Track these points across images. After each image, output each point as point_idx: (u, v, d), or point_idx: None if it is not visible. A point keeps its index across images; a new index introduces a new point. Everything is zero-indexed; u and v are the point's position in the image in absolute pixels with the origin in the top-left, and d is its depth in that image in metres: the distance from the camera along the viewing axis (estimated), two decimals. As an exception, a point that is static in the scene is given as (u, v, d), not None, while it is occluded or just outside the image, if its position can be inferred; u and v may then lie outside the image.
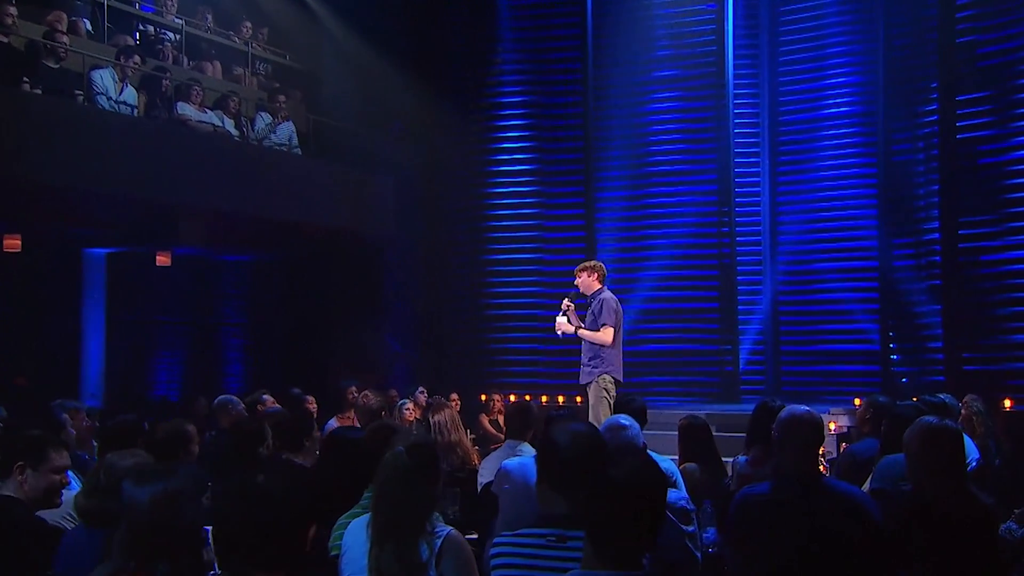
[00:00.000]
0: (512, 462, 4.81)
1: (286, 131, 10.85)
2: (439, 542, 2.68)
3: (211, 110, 9.82)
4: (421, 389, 9.90)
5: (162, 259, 10.51)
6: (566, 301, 7.91)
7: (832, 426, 9.13)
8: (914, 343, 11.19)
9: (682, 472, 5.54)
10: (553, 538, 2.43)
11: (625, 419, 3.80)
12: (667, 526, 3.60)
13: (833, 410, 9.52)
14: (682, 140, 12.38)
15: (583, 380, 7.92)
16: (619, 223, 12.37)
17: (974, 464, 6.57)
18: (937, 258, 10.70)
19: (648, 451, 5.20)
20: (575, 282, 7.92)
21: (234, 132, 10.09)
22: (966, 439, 6.61)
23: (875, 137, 11.42)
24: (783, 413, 3.58)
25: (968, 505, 3.58)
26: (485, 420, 10.68)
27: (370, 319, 11.84)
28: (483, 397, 11.09)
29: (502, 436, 10.60)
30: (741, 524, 3.51)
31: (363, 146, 11.68)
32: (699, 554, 3.70)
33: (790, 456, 3.54)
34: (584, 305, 8.10)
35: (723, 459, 6.02)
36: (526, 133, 12.84)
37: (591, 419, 7.50)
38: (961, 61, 10.46)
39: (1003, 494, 6.55)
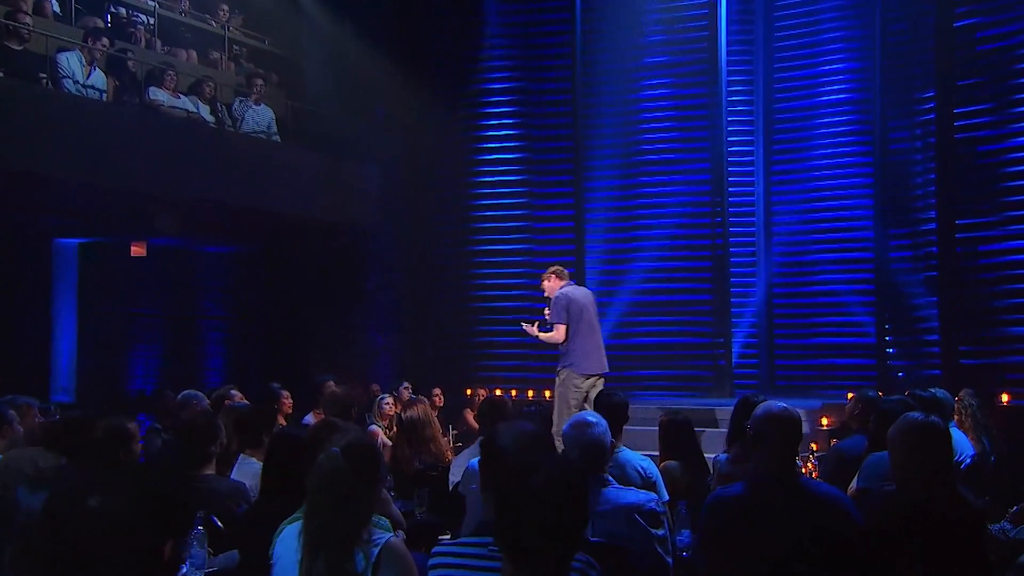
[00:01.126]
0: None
1: (265, 117, 10.64)
2: (376, 551, 2.51)
3: (185, 95, 9.62)
4: (405, 384, 9.74)
5: (137, 250, 10.35)
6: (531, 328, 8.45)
7: (825, 421, 9.01)
8: (911, 336, 11.07)
9: (662, 471, 5.41)
10: (495, 548, 2.26)
11: (592, 416, 3.64)
12: (635, 530, 3.45)
13: (826, 405, 9.36)
14: (674, 128, 12.24)
15: (555, 375, 8.37)
16: (609, 213, 12.24)
17: (968, 461, 6.45)
18: (934, 248, 10.56)
19: (623, 448, 5.13)
20: (544, 295, 8.42)
21: (209, 118, 9.88)
22: (960, 435, 6.57)
23: (871, 125, 11.27)
24: (758, 410, 3.45)
25: (956, 506, 3.45)
26: (470, 415, 10.50)
27: (353, 312, 11.71)
28: (468, 391, 10.94)
29: (486, 432, 10.56)
30: (713, 527, 3.38)
31: (345, 134, 11.51)
32: (670, 559, 3.54)
33: (765, 455, 3.40)
34: None
35: (711, 456, 5.89)
36: (513, 121, 12.70)
37: (556, 413, 7.78)
38: (959, 45, 10.32)
39: (998, 492, 6.45)
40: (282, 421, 7.02)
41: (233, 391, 6.77)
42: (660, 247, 11.98)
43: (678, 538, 3.90)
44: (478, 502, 4.47)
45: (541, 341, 8.32)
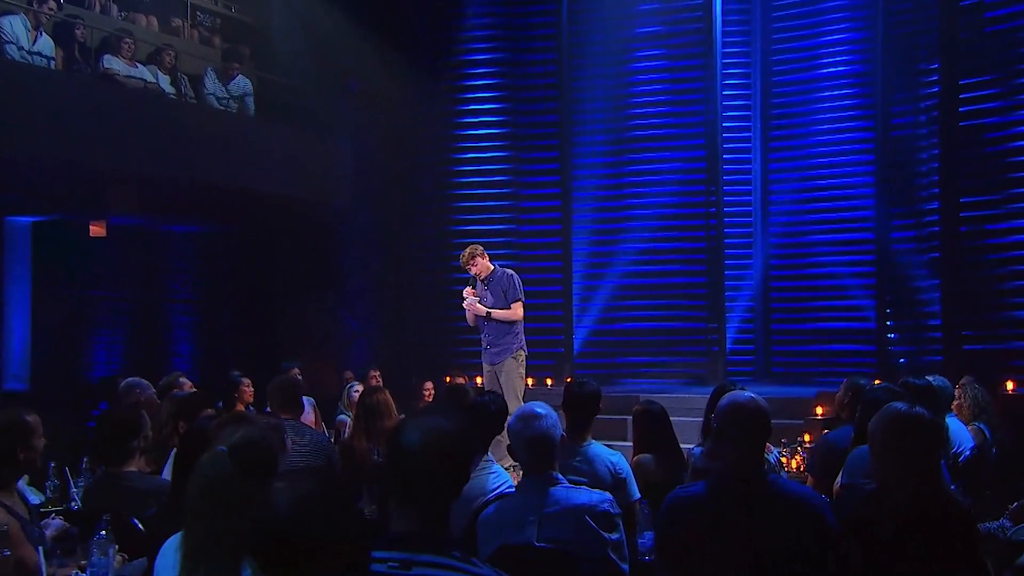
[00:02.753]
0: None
1: (240, 88, 10.42)
2: (266, 563, 2.27)
3: (143, 64, 9.35)
4: (374, 372, 9.53)
5: (96, 229, 10.10)
6: (470, 290, 8.46)
7: (820, 411, 8.80)
8: (912, 321, 10.92)
9: (635, 466, 5.21)
10: (396, 564, 2.03)
11: (540, 407, 3.40)
12: (586, 534, 3.22)
13: (821, 393, 9.15)
14: (666, 102, 12.07)
15: (494, 360, 8.40)
16: (598, 192, 12.10)
17: (967, 453, 6.25)
18: (937, 228, 10.36)
19: (592, 442, 4.90)
20: (472, 272, 8.47)
21: (170, 90, 9.61)
22: (959, 426, 6.35)
23: (873, 99, 11.08)
24: (723, 400, 3.23)
25: (942, 507, 3.23)
26: None
27: (326, 295, 11.51)
28: (447, 380, 10.74)
29: (466, 421, 10.37)
30: (669, 532, 3.16)
31: (317, 107, 11.31)
32: (626, 566, 3.30)
33: (730, 451, 3.17)
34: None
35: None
36: (497, 94, 12.50)
37: (511, 398, 7.71)
38: (964, 10, 10.06)
39: (998, 486, 6.24)
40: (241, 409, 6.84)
41: (182, 379, 6.51)
42: (651, 227, 11.85)
43: (640, 541, 3.67)
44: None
45: (494, 320, 8.28)
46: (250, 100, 10.54)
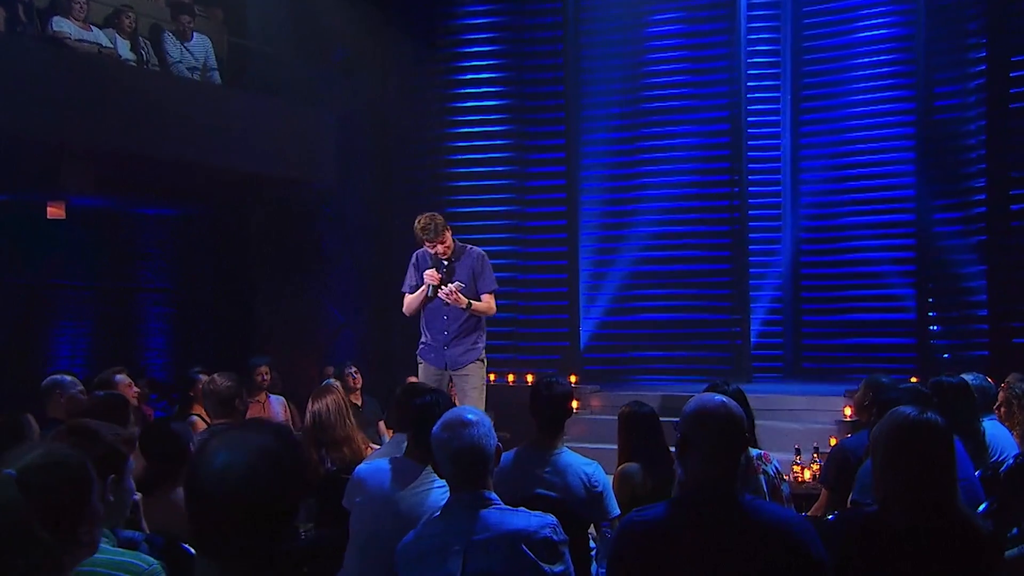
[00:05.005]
0: (369, 466, 4.09)
1: (201, 48, 10.10)
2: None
3: (98, 27, 9.07)
4: (353, 368, 9.27)
5: (54, 211, 9.82)
6: (434, 274, 7.13)
7: (848, 412, 8.47)
8: (957, 312, 10.81)
9: (620, 476, 4.88)
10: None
11: (471, 413, 3.05)
12: (521, 565, 2.87)
13: (849, 392, 8.81)
14: (686, 70, 11.91)
15: (457, 363, 7.20)
16: (608, 170, 11.91)
17: (1011, 462, 5.85)
18: (983, 209, 10.23)
19: (564, 450, 4.57)
20: (437, 249, 7.09)
21: (129, 56, 9.33)
22: (1003, 431, 5.95)
23: (914, 66, 10.97)
24: (688, 405, 2.90)
25: (957, 532, 2.88)
26: None
27: (307, 284, 11.28)
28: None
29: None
30: (621, 563, 2.82)
31: (298, 77, 10.97)
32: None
33: (696, 466, 2.84)
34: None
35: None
36: (497, 61, 12.27)
37: (474, 406, 6.72)
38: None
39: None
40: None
41: (119, 376, 6.20)
42: (667, 208, 11.70)
43: (598, 570, 3.32)
44: (365, 519, 3.91)
45: (472, 313, 7.10)
46: (212, 59, 10.19)
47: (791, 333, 11.81)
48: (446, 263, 7.16)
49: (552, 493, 4.36)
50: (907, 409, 2.98)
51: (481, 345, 7.24)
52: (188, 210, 11.72)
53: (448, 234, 7.08)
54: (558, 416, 4.59)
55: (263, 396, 8.41)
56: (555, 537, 2.95)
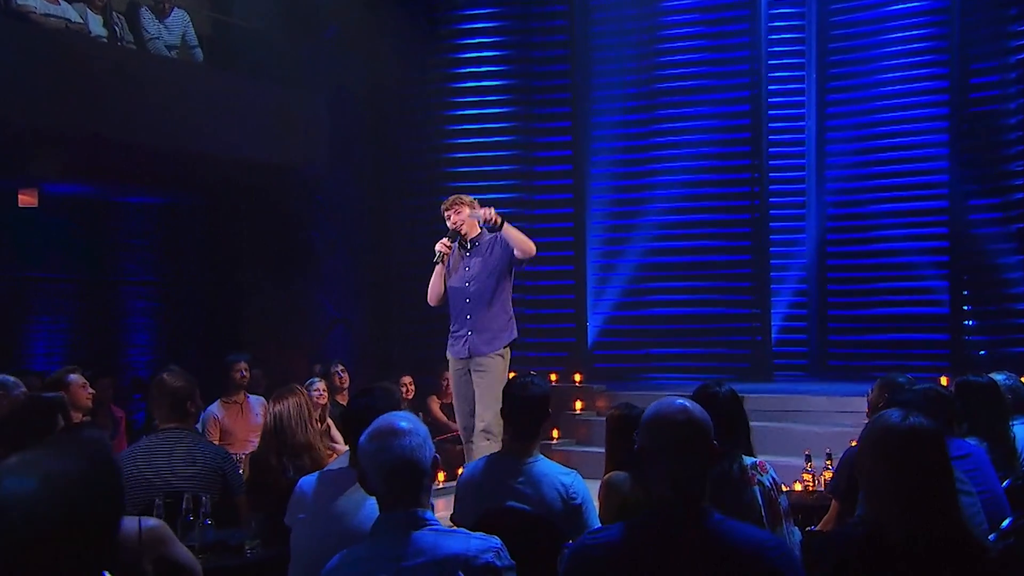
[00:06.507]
0: (313, 477, 3.87)
1: (179, 24, 9.96)
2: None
3: (67, 1, 8.94)
4: (340, 367, 9.10)
5: (26, 199, 9.75)
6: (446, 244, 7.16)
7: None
8: (995, 305, 10.71)
9: (606, 486, 4.64)
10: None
11: (404, 420, 2.80)
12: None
13: (874, 392, 8.60)
14: (703, 47, 11.82)
15: (481, 350, 7.07)
16: (619, 154, 11.80)
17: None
18: (1022, 195, 10.15)
19: (540, 458, 4.35)
20: (451, 219, 7.15)
21: (101, 32, 9.21)
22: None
23: (948, 41, 10.87)
24: (647, 412, 2.70)
25: (954, 550, 2.64)
26: (435, 404, 10.06)
27: (298, 276, 11.19)
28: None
29: (456, 425, 9.86)
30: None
31: (287, 56, 10.85)
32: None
33: (656, 481, 2.64)
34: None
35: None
36: (501, 38, 12.16)
37: (489, 406, 6.76)
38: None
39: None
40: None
41: (73, 375, 6.01)
42: (682, 195, 11.56)
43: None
44: (307, 536, 3.71)
45: (509, 236, 6.95)
46: (192, 35, 10.09)
47: (815, 328, 11.67)
48: (461, 248, 7.19)
49: (525, 506, 4.16)
50: (893, 414, 2.76)
51: (507, 336, 7.10)
52: (173, 199, 11.70)
53: (465, 208, 7.09)
54: (533, 420, 4.37)
55: (242, 396, 8.25)
56: (498, 563, 2.71)
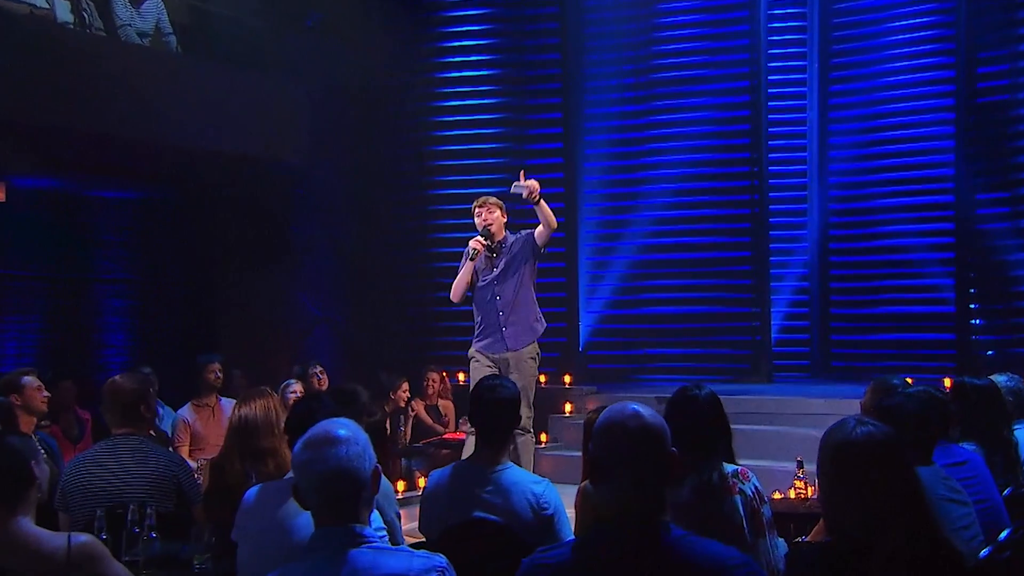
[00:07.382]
0: (258, 488, 3.74)
1: (153, 11, 9.92)
2: None
3: (33, -14, 8.91)
4: (318, 367, 9.03)
5: (-8, 193, 9.63)
6: (479, 243, 7.47)
7: (876, 417, 8.11)
8: (1003, 304, 10.75)
9: (583, 495, 4.55)
10: None
11: (343, 427, 2.65)
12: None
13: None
14: (700, 36, 11.79)
15: (512, 346, 7.48)
16: (612, 147, 11.83)
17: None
18: None
19: (510, 466, 4.25)
20: (483, 218, 7.52)
21: (68, 18, 9.14)
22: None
23: (955, 29, 10.87)
24: (600, 419, 2.57)
25: (926, 560, 2.60)
26: (420, 407, 9.91)
27: (279, 274, 11.15)
28: (434, 376, 10.35)
29: (442, 428, 9.76)
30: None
31: (267, 46, 10.77)
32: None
33: (608, 494, 2.52)
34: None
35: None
36: (491, 26, 12.09)
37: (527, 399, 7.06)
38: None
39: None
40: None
41: (28, 377, 5.89)
42: (678, 189, 11.54)
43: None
44: (253, 552, 3.59)
45: (542, 212, 7.40)
46: (165, 22, 10.04)
47: (818, 328, 11.65)
48: (487, 251, 7.45)
49: (493, 517, 4.06)
50: (849, 421, 2.75)
51: (539, 327, 7.58)
52: (149, 193, 11.62)
53: (498, 212, 7.48)
54: (502, 425, 4.26)
55: (214, 399, 8.16)
56: (446, 581, 2.57)
